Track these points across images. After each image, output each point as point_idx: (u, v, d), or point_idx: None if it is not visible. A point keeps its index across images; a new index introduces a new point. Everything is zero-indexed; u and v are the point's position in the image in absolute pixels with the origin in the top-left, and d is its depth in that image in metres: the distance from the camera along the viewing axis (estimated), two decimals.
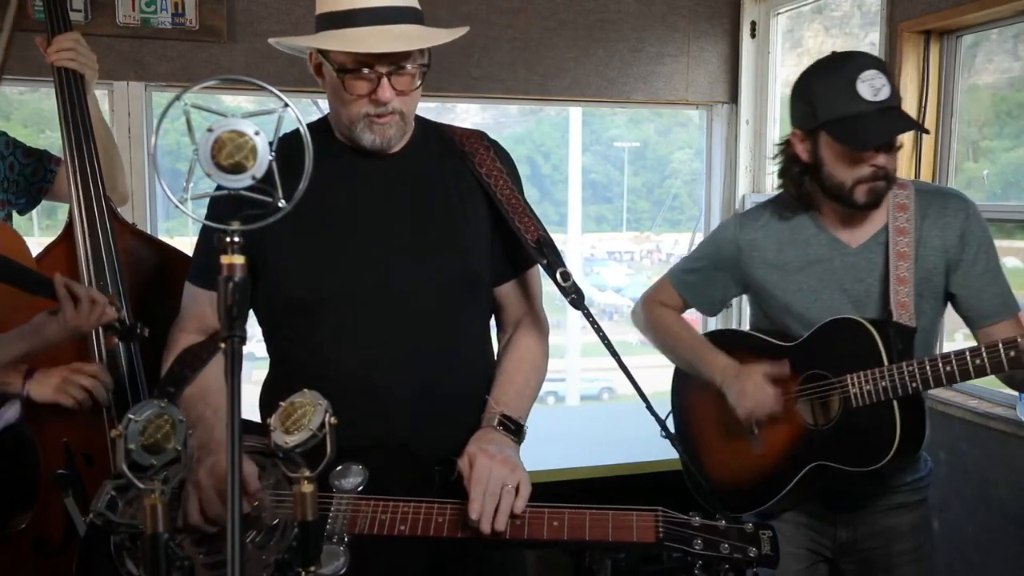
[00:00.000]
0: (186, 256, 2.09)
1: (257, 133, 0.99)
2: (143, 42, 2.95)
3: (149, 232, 2.97)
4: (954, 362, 1.61)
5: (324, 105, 3.81)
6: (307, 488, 1.13)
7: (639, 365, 1.99)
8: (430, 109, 4.02)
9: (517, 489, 1.35)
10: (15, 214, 2.13)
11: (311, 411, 1.22)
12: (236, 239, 0.97)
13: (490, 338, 1.67)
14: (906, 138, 2.74)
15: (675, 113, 6.66)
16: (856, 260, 1.81)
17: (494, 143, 1.62)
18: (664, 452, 2.96)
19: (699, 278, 2.00)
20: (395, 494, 1.38)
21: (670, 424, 1.89)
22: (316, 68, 1.48)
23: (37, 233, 4.27)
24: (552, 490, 1.39)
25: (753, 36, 3.55)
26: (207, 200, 1.37)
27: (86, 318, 1.69)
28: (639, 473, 2.92)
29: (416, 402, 1.49)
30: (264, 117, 1.02)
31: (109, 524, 1.31)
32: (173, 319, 1.65)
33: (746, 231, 1.91)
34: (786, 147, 1.83)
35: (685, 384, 2.07)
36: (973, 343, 1.70)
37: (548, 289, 1.62)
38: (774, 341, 1.88)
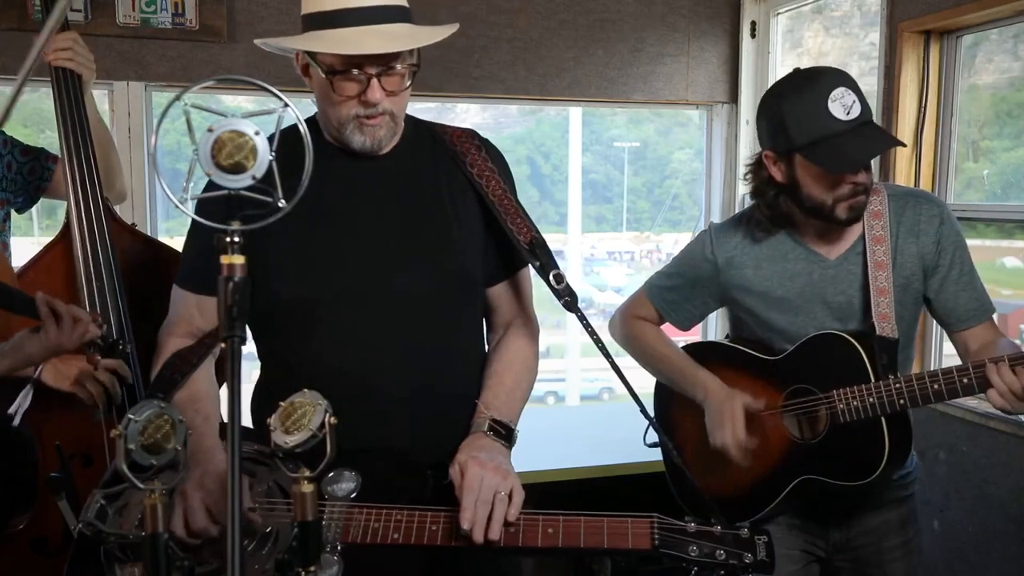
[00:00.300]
0: None
1: (257, 133, 0.99)
2: (143, 42, 2.94)
3: (149, 232, 2.98)
4: (942, 380, 1.61)
5: None
6: (307, 488, 1.13)
7: (633, 365, 1.99)
8: (430, 109, 4.02)
9: (510, 496, 1.33)
10: (13, 212, 2.13)
11: (311, 411, 1.22)
12: (236, 239, 0.97)
13: (484, 339, 1.66)
14: (905, 138, 2.74)
15: (675, 113, 6.65)
16: (835, 272, 1.80)
17: (485, 142, 1.60)
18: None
19: (677, 295, 1.97)
20: (390, 496, 1.38)
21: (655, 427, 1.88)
22: (303, 69, 1.46)
23: (37, 232, 4.27)
24: (552, 490, 1.39)
25: (753, 36, 3.55)
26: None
27: (68, 336, 1.67)
28: (639, 473, 2.91)
29: (412, 403, 1.48)
30: (264, 117, 1.02)
31: (98, 534, 1.30)
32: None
33: (722, 248, 1.88)
34: (758, 168, 1.80)
35: (669, 395, 2.04)
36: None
37: (547, 289, 1.62)
38: (758, 355, 1.87)
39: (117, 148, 2.24)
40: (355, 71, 1.38)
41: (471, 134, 1.59)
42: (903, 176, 2.76)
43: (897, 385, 1.65)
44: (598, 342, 1.49)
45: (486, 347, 1.65)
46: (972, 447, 2.59)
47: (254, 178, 0.99)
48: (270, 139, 1.01)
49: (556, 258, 1.54)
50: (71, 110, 1.97)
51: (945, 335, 2.74)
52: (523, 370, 1.59)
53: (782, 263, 1.83)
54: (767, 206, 1.80)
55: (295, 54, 1.45)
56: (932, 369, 1.65)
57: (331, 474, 1.32)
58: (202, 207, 0.99)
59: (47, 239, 2.04)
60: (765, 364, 1.85)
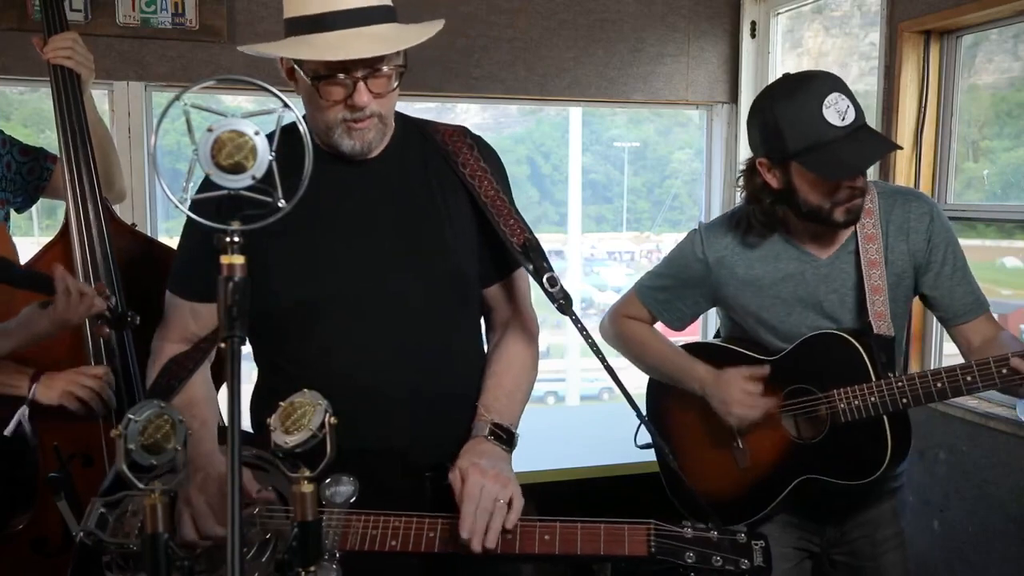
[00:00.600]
0: None
1: (257, 133, 0.99)
2: (143, 42, 2.94)
3: (149, 232, 2.98)
4: (945, 379, 1.62)
5: None
6: (307, 488, 1.13)
7: (627, 366, 1.99)
8: (430, 109, 4.02)
9: (510, 504, 1.33)
10: (13, 212, 2.13)
11: (311, 411, 1.22)
12: (236, 239, 0.97)
13: (482, 337, 1.65)
14: (905, 138, 2.74)
15: (675, 113, 6.65)
16: (828, 271, 1.80)
17: (478, 140, 1.57)
18: None
19: (669, 295, 1.97)
20: (389, 498, 1.37)
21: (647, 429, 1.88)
22: (288, 72, 1.44)
23: (37, 232, 4.27)
24: (552, 490, 1.39)
25: (753, 36, 3.55)
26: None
27: (75, 310, 1.68)
28: (639, 473, 2.91)
29: (410, 404, 1.48)
30: (264, 117, 1.02)
31: (99, 543, 1.30)
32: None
33: (713, 248, 1.87)
34: (751, 175, 1.78)
35: (662, 396, 2.03)
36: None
37: None
38: (754, 355, 1.87)
39: (117, 148, 2.24)
40: (341, 75, 1.35)
41: (463, 132, 1.57)
42: (903, 176, 2.76)
43: (899, 384, 1.65)
44: (592, 345, 1.48)
45: (485, 347, 1.65)
46: (972, 447, 2.59)
47: (254, 178, 0.99)
48: (270, 138, 1.01)
49: (556, 258, 1.54)
50: (70, 110, 1.97)
51: (945, 335, 2.78)
52: (522, 371, 1.57)
53: (774, 263, 1.82)
54: (763, 213, 1.79)
55: (279, 58, 1.44)
56: (935, 367, 1.65)
57: (328, 479, 1.31)
58: (197, 208, 0.99)
59: (47, 239, 2.04)
60: (763, 365, 1.84)
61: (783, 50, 3.59)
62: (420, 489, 1.48)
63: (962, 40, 2.73)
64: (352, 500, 1.30)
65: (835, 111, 1.63)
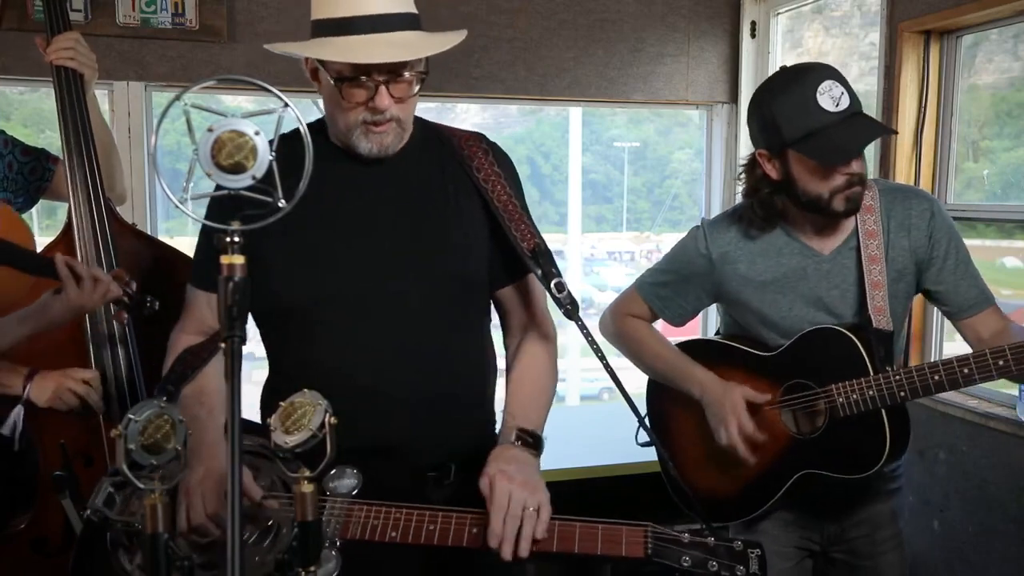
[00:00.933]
0: (185, 256, 2.09)
1: (257, 133, 0.99)
2: (143, 42, 2.94)
3: (149, 232, 2.97)
4: (942, 371, 1.62)
5: (323, 105, 3.78)
6: (307, 488, 1.13)
7: (629, 367, 1.99)
8: (430, 109, 4.02)
9: (538, 511, 1.33)
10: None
11: (311, 411, 1.22)
12: (236, 239, 0.97)
13: (490, 339, 1.65)
14: (905, 137, 2.74)
15: (675, 113, 6.65)
16: (830, 267, 1.80)
17: (493, 146, 1.60)
18: None
19: (670, 291, 1.96)
20: (391, 497, 1.38)
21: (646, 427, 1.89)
22: (312, 73, 1.46)
23: (37, 233, 4.26)
24: (551, 490, 1.38)
25: (753, 36, 3.55)
26: (207, 200, 1.37)
27: (89, 296, 1.70)
28: (639, 473, 2.91)
29: (410, 405, 1.48)
30: (264, 117, 1.02)
31: (106, 520, 1.31)
32: (171, 319, 1.64)
33: (716, 244, 1.88)
34: (752, 167, 1.80)
35: (662, 394, 2.03)
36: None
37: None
38: (753, 351, 1.87)
39: (118, 148, 2.24)
40: (363, 78, 1.38)
41: (479, 138, 1.59)
42: (903, 176, 2.76)
43: (897, 377, 1.65)
44: (597, 351, 1.48)
45: (495, 348, 1.66)
46: (972, 447, 2.59)
47: (254, 178, 0.99)
48: (280, 139, 1.02)
49: (556, 258, 1.54)
50: (73, 110, 1.97)
51: (945, 334, 2.78)
52: (541, 376, 1.58)
53: (776, 258, 1.83)
54: (761, 204, 1.80)
55: (304, 59, 1.45)
56: (932, 360, 1.65)
57: (333, 471, 1.32)
58: (215, 205, 0.99)
59: (48, 239, 2.04)
60: (760, 360, 1.85)
61: (783, 50, 3.59)
62: (422, 489, 1.48)
63: (962, 40, 2.73)
64: (354, 492, 1.31)
65: (829, 97, 1.65)
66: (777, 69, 1.78)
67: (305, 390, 1.27)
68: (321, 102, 1.52)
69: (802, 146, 1.67)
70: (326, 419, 1.20)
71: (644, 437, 1.91)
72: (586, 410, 7.33)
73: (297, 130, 1.08)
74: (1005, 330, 1.74)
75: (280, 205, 1.00)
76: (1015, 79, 2.91)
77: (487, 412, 1.64)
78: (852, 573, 1.92)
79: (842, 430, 1.72)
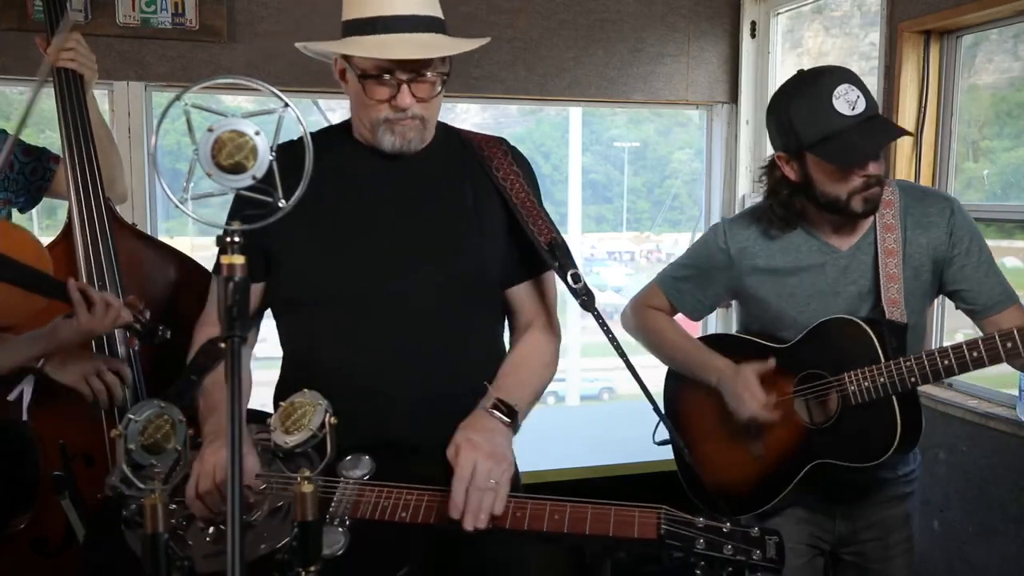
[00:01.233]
0: (185, 257, 2.10)
1: (257, 133, 0.99)
2: (143, 42, 2.94)
3: (149, 232, 2.97)
4: (952, 356, 1.63)
5: (324, 105, 3.80)
6: (307, 488, 1.13)
7: (639, 365, 1.99)
8: None
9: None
10: (16, 212, 2.13)
11: (311, 411, 1.22)
12: (236, 239, 0.97)
13: (501, 341, 1.66)
14: (906, 138, 2.74)
15: (675, 113, 6.65)
16: (847, 263, 1.82)
17: (513, 148, 1.64)
18: (664, 452, 2.95)
19: (690, 285, 2.00)
20: None
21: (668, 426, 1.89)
22: (340, 73, 1.51)
23: (37, 232, 4.26)
24: (552, 490, 1.38)
25: (753, 36, 3.55)
26: (208, 200, 1.38)
27: (100, 321, 1.72)
28: (639, 473, 2.91)
29: (418, 403, 1.49)
30: (264, 117, 1.02)
31: (122, 497, 1.31)
32: (172, 319, 1.65)
33: (735, 239, 1.91)
34: (772, 169, 1.83)
35: (679, 388, 2.06)
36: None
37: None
38: (768, 344, 1.88)
39: (118, 148, 2.23)
40: (387, 76, 1.43)
41: (499, 140, 1.64)
42: (903, 176, 2.76)
43: (908, 363, 1.66)
44: (613, 340, 1.49)
45: (505, 350, 1.66)
46: (972, 447, 2.59)
47: (254, 178, 0.99)
48: (289, 144, 1.02)
49: None
50: (73, 111, 1.97)
51: (946, 333, 2.78)
52: (539, 366, 1.59)
53: (795, 254, 1.85)
54: (781, 205, 1.83)
55: (334, 59, 1.51)
56: (942, 346, 1.66)
57: (349, 458, 1.35)
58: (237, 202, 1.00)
59: (48, 239, 2.03)
60: (776, 352, 1.87)
61: (783, 50, 3.59)
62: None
63: (962, 40, 2.73)
64: (366, 477, 1.32)
65: (845, 101, 1.67)
66: (795, 72, 1.80)
67: (305, 390, 1.27)
68: (321, 102, 1.54)
69: (819, 149, 1.69)
70: (326, 419, 1.21)
71: (660, 435, 1.93)
72: (586, 410, 7.33)
73: (311, 134, 1.10)
74: None
75: (280, 205, 1.00)
76: (1015, 79, 2.91)
77: None
78: (860, 575, 1.93)
79: (854, 419, 1.74)
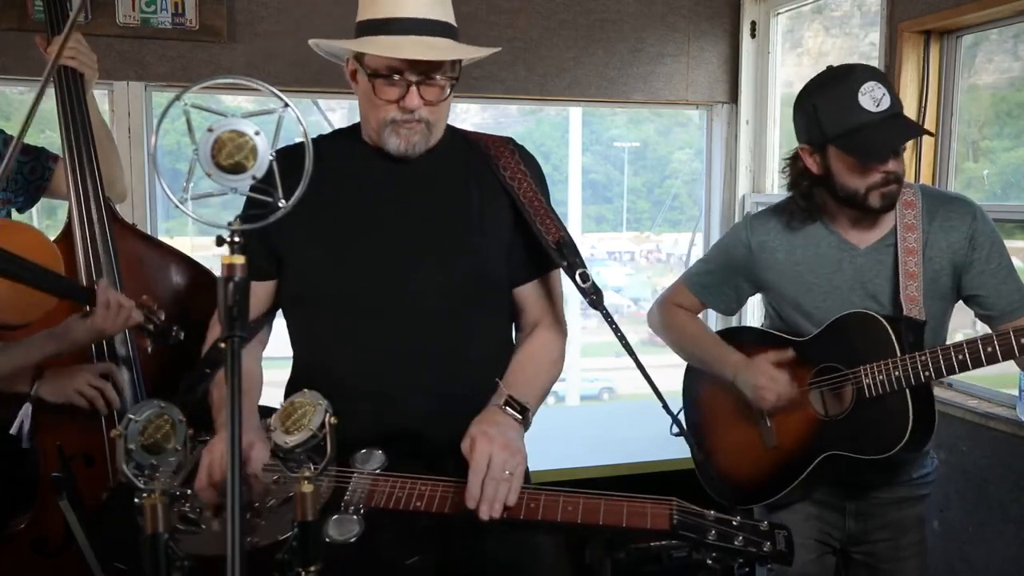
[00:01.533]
0: (186, 257, 2.10)
1: (257, 133, 0.99)
2: (143, 42, 2.94)
3: (149, 232, 2.97)
4: (966, 350, 1.64)
5: (324, 105, 3.79)
6: (307, 488, 1.13)
7: (645, 364, 2.01)
8: None
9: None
10: (15, 212, 2.13)
11: (311, 411, 1.22)
12: (236, 239, 0.97)
13: (508, 339, 1.67)
14: None
15: (675, 113, 6.65)
16: (865, 261, 1.84)
17: (520, 148, 1.65)
18: (664, 452, 2.96)
19: (713, 280, 2.05)
20: None
21: (681, 420, 1.94)
22: (351, 74, 1.53)
23: None
24: None
25: (753, 36, 3.55)
26: (208, 200, 1.38)
27: (112, 321, 1.73)
28: (639, 473, 2.91)
29: (420, 402, 1.50)
30: (264, 117, 1.02)
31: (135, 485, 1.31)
32: (172, 319, 1.65)
33: (757, 233, 1.95)
34: (795, 161, 1.87)
35: (697, 381, 2.11)
36: None
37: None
38: (788, 337, 1.92)
39: (117, 148, 2.23)
40: (396, 77, 1.45)
41: (507, 140, 1.65)
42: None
43: (922, 357, 1.68)
44: (622, 338, 1.50)
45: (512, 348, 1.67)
46: (972, 447, 2.59)
47: (254, 178, 0.99)
48: (298, 146, 1.02)
49: None
50: (73, 110, 1.97)
51: (951, 334, 2.78)
52: (546, 363, 1.60)
53: (814, 249, 1.88)
54: (802, 196, 1.86)
55: (345, 60, 1.53)
56: (956, 341, 1.67)
57: (363, 451, 1.37)
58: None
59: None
60: (795, 345, 1.90)
61: (783, 50, 3.59)
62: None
63: (962, 40, 2.73)
64: (378, 471, 1.35)
65: (870, 98, 1.71)
66: (825, 68, 1.83)
67: (305, 390, 1.27)
68: (321, 102, 1.55)
69: (841, 142, 1.73)
70: (326, 419, 1.20)
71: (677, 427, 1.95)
72: (586, 410, 7.32)
73: (314, 139, 1.10)
74: None
75: (280, 205, 1.00)
76: (1015, 79, 2.91)
77: None
78: (870, 575, 1.94)
79: (867, 412, 1.76)
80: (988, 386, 2.64)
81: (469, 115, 7.44)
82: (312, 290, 1.53)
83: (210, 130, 0.97)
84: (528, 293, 1.63)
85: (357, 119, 1.62)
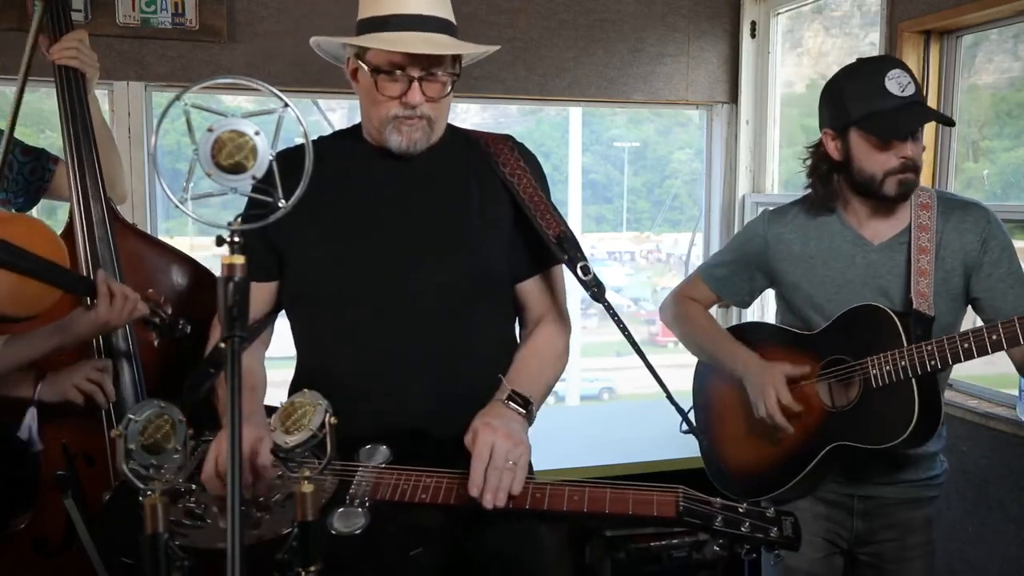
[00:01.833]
0: (186, 257, 2.10)
1: (257, 133, 0.99)
2: (143, 42, 2.94)
3: (149, 232, 2.97)
4: (971, 338, 1.65)
5: (324, 105, 3.79)
6: (307, 488, 1.13)
7: (662, 364, 2.03)
8: None
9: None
10: (14, 213, 2.13)
11: (311, 411, 1.22)
12: (236, 239, 0.97)
13: (511, 336, 1.68)
14: None
15: (675, 113, 6.65)
16: (877, 258, 1.86)
17: (520, 145, 1.66)
18: (665, 452, 2.96)
19: (728, 271, 2.07)
20: None
21: (691, 418, 1.96)
22: (352, 73, 1.53)
23: None
24: None
25: (753, 36, 3.55)
26: (208, 200, 1.38)
27: (117, 314, 1.73)
28: (639, 473, 2.91)
29: (425, 402, 1.50)
30: (264, 117, 1.02)
31: (143, 479, 1.31)
32: (173, 319, 1.65)
33: (773, 226, 1.98)
34: (817, 147, 1.90)
35: (707, 373, 2.13)
36: None
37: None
38: (797, 331, 1.95)
39: (118, 148, 2.23)
40: (399, 72, 1.46)
41: (506, 137, 1.66)
42: None
43: (928, 347, 1.69)
44: (624, 330, 1.51)
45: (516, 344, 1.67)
46: (972, 447, 2.59)
47: (254, 178, 0.99)
48: (293, 151, 1.02)
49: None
50: (75, 110, 1.97)
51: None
52: (549, 358, 1.60)
53: (828, 242, 1.90)
54: (820, 182, 1.89)
55: (346, 59, 1.54)
56: (961, 330, 1.68)
57: (368, 446, 1.39)
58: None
59: None
60: (804, 339, 1.92)
61: (783, 50, 3.59)
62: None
63: (962, 40, 2.73)
64: (382, 464, 1.36)
65: (896, 83, 1.75)
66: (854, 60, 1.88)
67: (305, 390, 1.27)
68: (321, 102, 1.56)
69: (863, 124, 1.76)
70: (326, 419, 1.20)
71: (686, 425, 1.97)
72: (586, 410, 7.32)
73: (321, 139, 1.10)
74: None
75: (280, 205, 1.00)
76: (1015, 79, 2.91)
77: None
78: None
79: (874, 402, 1.77)
80: (988, 386, 2.64)
81: (469, 115, 7.44)
82: (313, 290, 1.54)
83: (210, 130, 0.97)
84: (530, 289, 1.64)
85: (357, 119, 1.63)
